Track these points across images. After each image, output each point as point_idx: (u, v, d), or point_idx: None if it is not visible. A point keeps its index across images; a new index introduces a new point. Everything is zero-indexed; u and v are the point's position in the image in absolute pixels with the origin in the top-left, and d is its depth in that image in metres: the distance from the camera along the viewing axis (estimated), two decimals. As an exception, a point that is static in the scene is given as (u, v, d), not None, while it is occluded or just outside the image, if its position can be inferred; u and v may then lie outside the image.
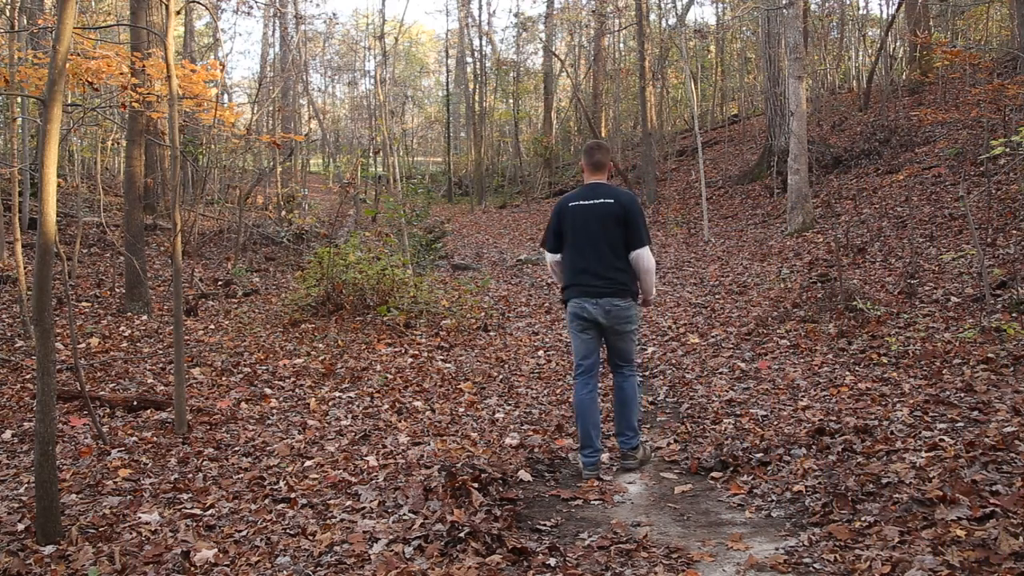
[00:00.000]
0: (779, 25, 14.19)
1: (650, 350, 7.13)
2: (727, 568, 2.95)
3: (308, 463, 4.43)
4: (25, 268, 7.81)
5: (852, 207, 11.42)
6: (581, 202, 4.11)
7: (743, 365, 6.18)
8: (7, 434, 4.90)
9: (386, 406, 5.60)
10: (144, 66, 7.43)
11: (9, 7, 11.18)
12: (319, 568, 3.08)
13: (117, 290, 9.40)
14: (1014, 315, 5.90)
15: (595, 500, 3.78)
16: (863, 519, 3.14)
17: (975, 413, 4.24)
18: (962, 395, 4.60)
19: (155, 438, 4.87)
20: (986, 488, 3.19)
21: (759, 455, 4.09)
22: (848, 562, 2.83)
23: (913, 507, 3.12)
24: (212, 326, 8.26)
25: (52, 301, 3.84)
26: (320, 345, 7.39)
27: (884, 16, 22.26)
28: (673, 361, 6.68)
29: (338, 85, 38.96)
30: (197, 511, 3.73)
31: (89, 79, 6.98)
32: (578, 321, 4.12)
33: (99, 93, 10.26)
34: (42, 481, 3.31)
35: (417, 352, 7.16)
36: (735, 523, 3.42)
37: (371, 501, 3.74)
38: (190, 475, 4.25)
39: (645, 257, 4.02)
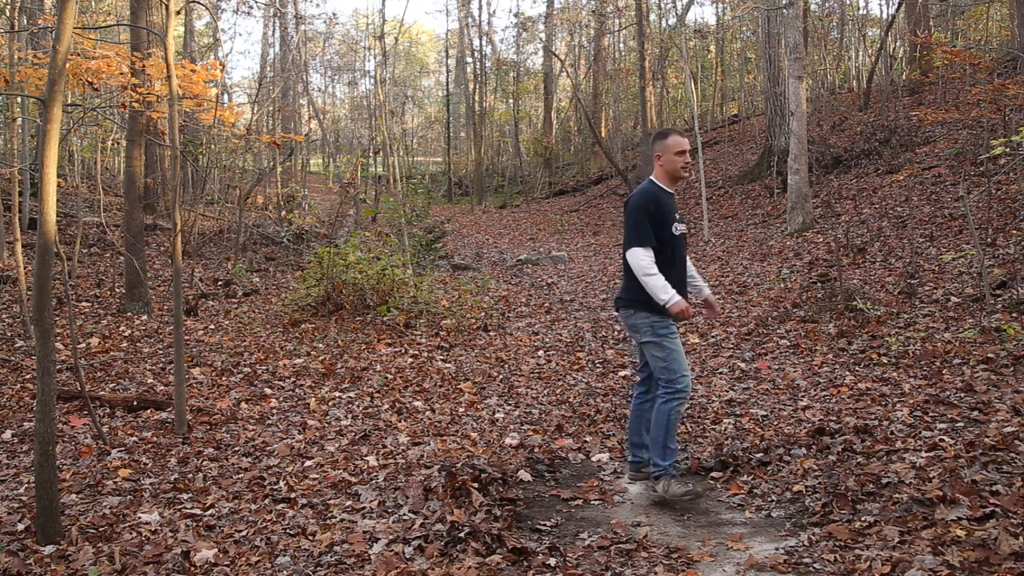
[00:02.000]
0: (779, 25, 14.18)
1: (650, 350, 7.13)
2: (727, 568, 2.95)
3: (308, 463, 4.43)
4: (25, 268, 7.81)
5: (852, 207, 11.42)
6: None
7: (743, 365, 6.18)
8: (7, 434, 4.90)
9: (386, 406, 5.60)
10: (144, 66, 7.43)
11: (9, 7, 11.18)
12: (319, 568, 3.08)
13: (117, 290, 9.40)
14: (1014, 315, 5.90)
15: (595, 500, 3.78)
16: (863, 519, 3.14)
17: (975, 413, 4.24)
18: (962, 395, 4.60)
19: (155, 438, 4.87)
20: (986, 488, 3.19)
21: (759, 455, 4.09)
22: (848, 562, 2.83)
23: (913, 507, 3.12)
24: (212, 326, 8.26)
25: (52, 301, 3.84)
26: (320, 345, 7.39)
27: (884, 16, 22.26)
28: (673, 361, 6.67)
29: (338, 85, 38.98)
30: (197, 511, 3.73)
31: (89, 79, 6.99)
32: None
33: (99, 93, 10.26)
34: (42, 481, 3.31)
35: (417, 352, 7.16)
36: (735, 523, 3.42)
37: (371, 501, 3.74)
38: (190, 475, 4.25)
39: (629, 258, 3.75)
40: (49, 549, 3.24)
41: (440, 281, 10.70)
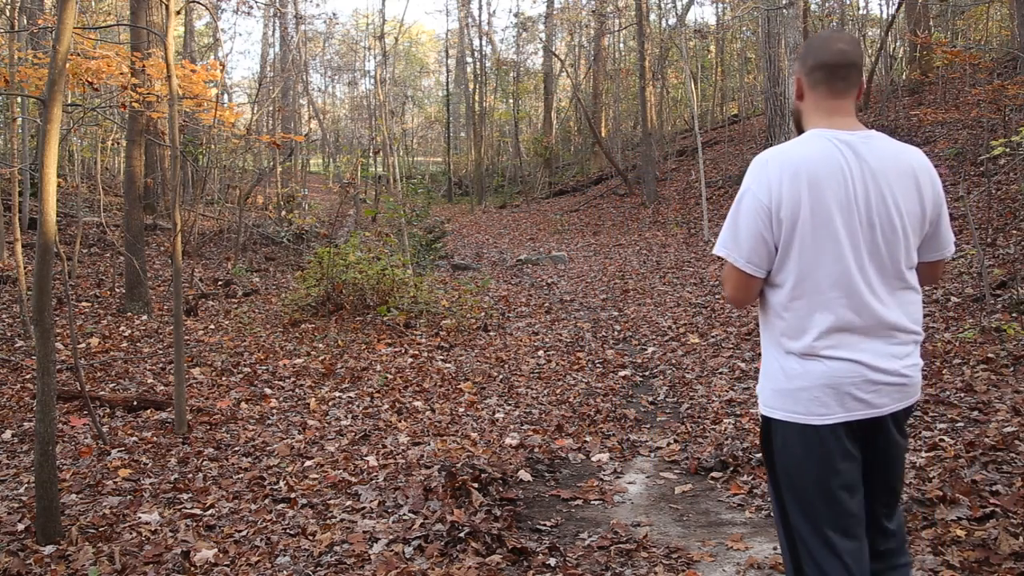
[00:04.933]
0: (779, 25, 14.18)
1: (650, 350, 7.13)
2: (727, 568, 2.95)
3: (308, 463, 4.43)
4: (25, 268, 7.80)
5: (852, 207, 11.41)
6: None
7: (743, 365, 6.17)
8: (7, 434, 4.90)
9: (386, 406, 5.60)
10: (144, 66, 7.43)
11: (9, 7, 11.18)
12: (319, 568, 3.08)
13: (117, 290, 9.40)
14: (1014, 315, 5.90)
15: (595, 500, 3.77)
16: (863, 519, 3.14)
17: (975, 413, 4.24)
18: (962, 395, 4.60)
19: (155, 438, 4.87)
20: (986, 488, 3.19)
21: (759, 455, 4.09)
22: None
23: (913, 507, 3.12)
24: (212, 326, 8.25)
25: (52, 301, 3.84)
26: (320, 345, 7.39)
27: (884, 16, 22.26)
28: (673, 361, 6.68)
29: (338, 85, 38.96)
30: (197, 511, 3.73)
31: (89, 79, 6.99)
32: None
33: (99, 93, 10.26)
34: (42, 481, 3.31)
35: (417, 352, 7.16)
36: (735, 523, 3.42)
37: (371, 501, 3.74)
38: (190, 475, 4.25)
39: None
40: (49, 549, 3.24)
41: (440, 281, 10.69)
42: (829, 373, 1.79)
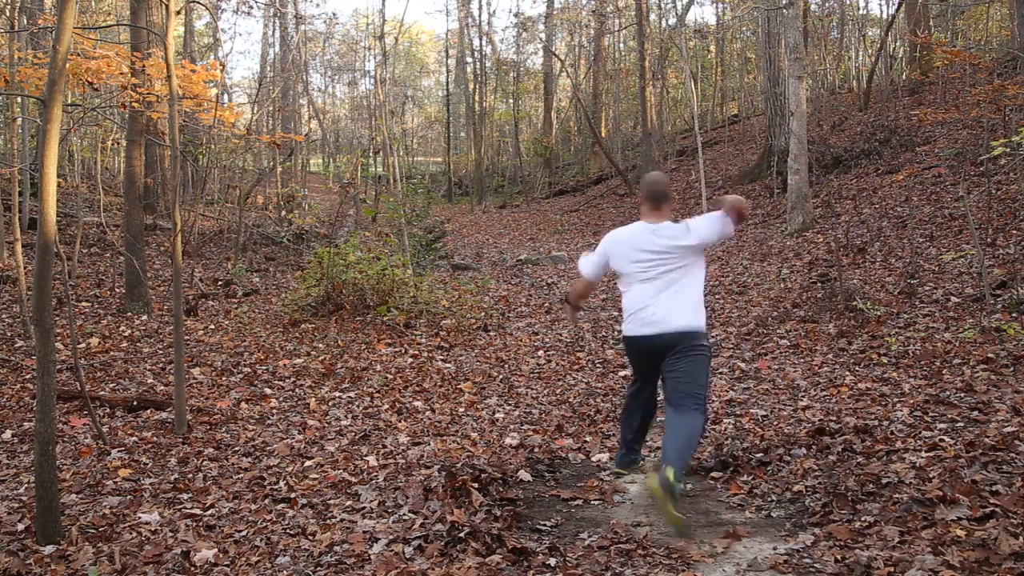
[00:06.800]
0: (779, 25, 14.19)
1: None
2: (727, 568, 2.95)
3: (308, 463, 4.43)
4: (25, 268, 7.80)
5: (852, 207, 11.42)
6: None
7: (743, 365, 6.17)
8: (7, 434, 4.90)
9: (386, 406, 5.60)
10: (144, 66, 7.43)
11: (9, 7, 11.18)
12: (319, 568, 3.09)
13: (117, 290, 9.40)
14: (1014, 315, 5.90)
15: (595, 500, 3.77)
16: (863, 519, 3.14)
17: (975, 413, 4.24)
18: (962, 395, 4.60)
19: (155, 438, 4.87)
20: (986, 488, 3.19)
21: (759, 455, 4.09)
22: (848, 562, 2.83)
23: (913, 507, 3.12)
24: (212, 326, 8.25)
25: (52, 301, 3.84)
26: (320, 345, 7.39)
27: (884, 16, 22.25)
28: (673, 361, 6.67)
29: (338, 85, 38.91)
30: (197, 511, 3.73)
31: (89, 79, 6.98)
32: None
33: (99, 93, 10.26)
34: (42, 481, 3.31)
35: (417, 352, 7.16)
36: (735, 523, 3.41)
37: (371, 501, 3.74)
38: (190, 475, 4.25)
39: None
40: (49, 549, 3.24)
41: (440, 281, 10.69)
42: (630, 322, 3.78)
